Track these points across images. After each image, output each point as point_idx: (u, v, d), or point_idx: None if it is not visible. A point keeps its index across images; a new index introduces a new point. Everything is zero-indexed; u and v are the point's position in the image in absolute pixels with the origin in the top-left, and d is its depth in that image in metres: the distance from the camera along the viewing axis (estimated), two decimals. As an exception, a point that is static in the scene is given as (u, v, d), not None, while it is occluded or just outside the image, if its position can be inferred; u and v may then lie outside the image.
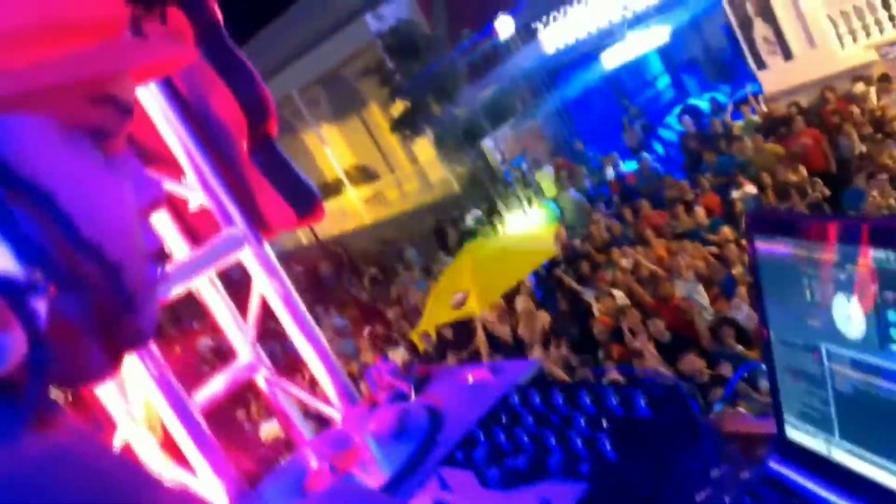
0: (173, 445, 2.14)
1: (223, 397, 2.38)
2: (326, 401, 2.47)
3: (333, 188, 22.91)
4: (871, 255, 0.92)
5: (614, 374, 5.92)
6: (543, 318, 9.03)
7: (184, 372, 2.33)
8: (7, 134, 0.50)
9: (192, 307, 2.69)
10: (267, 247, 2.40)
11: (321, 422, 2.89)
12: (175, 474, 2.17)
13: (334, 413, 2.43)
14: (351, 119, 22.41)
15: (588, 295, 8.96)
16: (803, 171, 9.10)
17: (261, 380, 2.49)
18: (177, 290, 2.23)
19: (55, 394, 0.59)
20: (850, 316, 0.97)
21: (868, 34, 11.91)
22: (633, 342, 7.11)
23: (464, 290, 9.34)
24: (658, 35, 15.82)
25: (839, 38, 12.29)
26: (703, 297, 7.86)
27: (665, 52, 17.83)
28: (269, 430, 9.07)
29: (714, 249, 8.60)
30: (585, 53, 16.83)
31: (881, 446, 0.98)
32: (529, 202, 14.92)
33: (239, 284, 2.68)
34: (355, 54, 19.14)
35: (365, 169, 23.04)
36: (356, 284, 16.87)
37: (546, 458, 1.45)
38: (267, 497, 2.04)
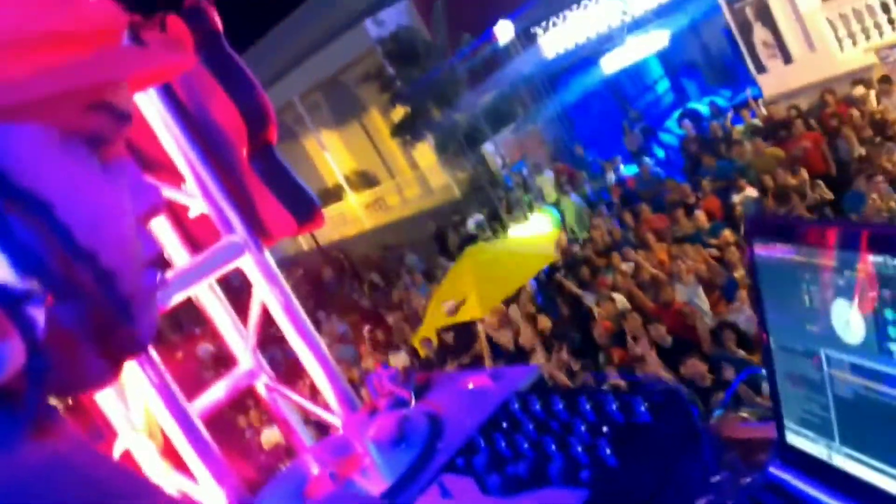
0: (174, 453, 2.14)
1: (224, 404, 2.38)
2: (327, 407, 2.46)
3: (334, 194, 22.94)
4: (870, 261, 0.92)
5: (615, 379, 5.92)
6: (544, 322, 9.04)
7: (184, 378, 2.32)
8: (3, 143, 0.50)
9: (192, 313, 2.70)
10: (267, 254, 2.40)
11: (321, 428, 2.89)
12: (176, 481, 2.17)
13: (335, 420, 2.43)
14: (351, 125, 22.44)
15: (589, 299, 8.96)
16: (804, 173, 9.10)
17: (261, 386, 2.49)
18: (177, 298, 2.23)
19: (55, 401, 0.59)
20: (849, 321, 0.97)
21: (867, 37, 11.93)
22: (634, 347, 7.10)
23: (464, 294, 9.33)
24: (657, 39, 15.86)
25: (838, 41, 12.30)
26: (703, 301, 7.86)
27: (665, 57, 17.86)
28: (269, 436, 9.06)
29: (715, 252, 8.60)
30: (585, 58, 16.87)
31: (881, 451, 0.98)
32: (530, 207, 14.92)
33: (239, 291, 2.68)
34: (355, 60, 19.19)
35: (365, 174, 23.07)
36: (357, 290, 16.88)
37: (546, 464, 1.44)
38: (267, 504, 2.04)
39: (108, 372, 0.59)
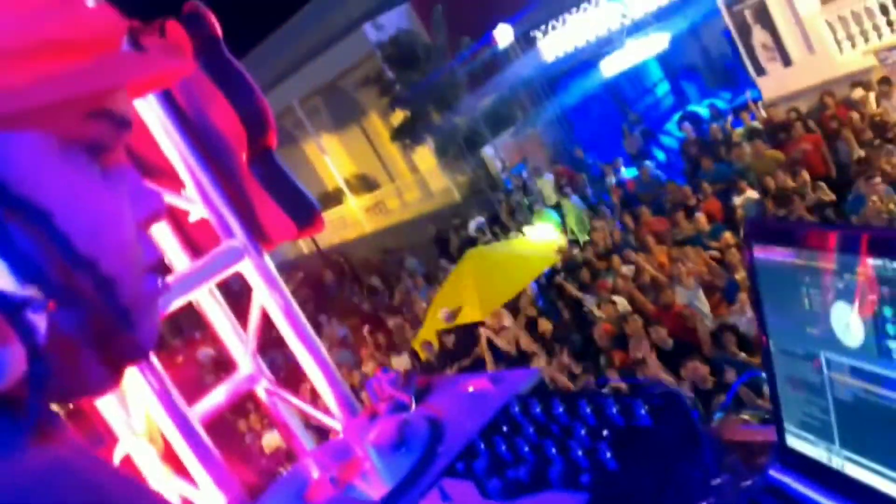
0: (174, 457, 2.14)
1: (224, 408, 2.38)
2: (327, 411, 2.46)
3: (334, 197, 22.95)
4: (870, 264, 0.92)
5: (617, 382, 5.91)
6: (545, 325, 9.03)
7: (185, 383, 2.32)
8: (2, 151, 0.50)
9: (192, 318, 2.70)
10: (267, 258, 2.40)
11: (322, 432, 2.88)
12: (176, 486, 2.17)
13: (335, 424, 2.43)
14: (351, 129, 22.46)
15: (589, 302, 8.96)
16: (805, 174, 9.10)
17: (261, 391, 2.49)
18: (177, 302, 2.23)
19: (56, 407, 0.59)
20: (849, 324, 0.97)
21: (866, 39, 11.94)
22: (636, 351, 7.10)
23: (464, 298, 9.33)
24: (657, 42, 15.87)
25: (838, 43, 12.31)
26: (703, 303, 7.86)
27: (664, 59, 17.87)
28: (270, 440, 9.06)
29: (716, 254, 8.60)
30: (585, 61, 16.88)
31: (882, 454, 0.98)
32: (530, 210, 14.92)
33: (239, 295, 2.68)
34: (355, 64, 19.21)
35: (365, 178, 23.08)
36: (357, 293, 16.88)
37: (547, 468, 1.44)
38: (268, 508, 2.04)
39: (110, 378, 0.59)
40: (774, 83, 13.26)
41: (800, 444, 1.11)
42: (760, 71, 13.53)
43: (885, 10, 11.52)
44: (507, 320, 9.07)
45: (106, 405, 2.14)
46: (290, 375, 6.80)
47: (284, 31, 20.65)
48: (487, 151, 17.73)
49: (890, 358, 0.92)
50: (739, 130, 12.28)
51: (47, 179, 0.53)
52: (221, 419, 2.38)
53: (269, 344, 4.36)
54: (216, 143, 2.24)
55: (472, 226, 15.88)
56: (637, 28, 15.83)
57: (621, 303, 8.26)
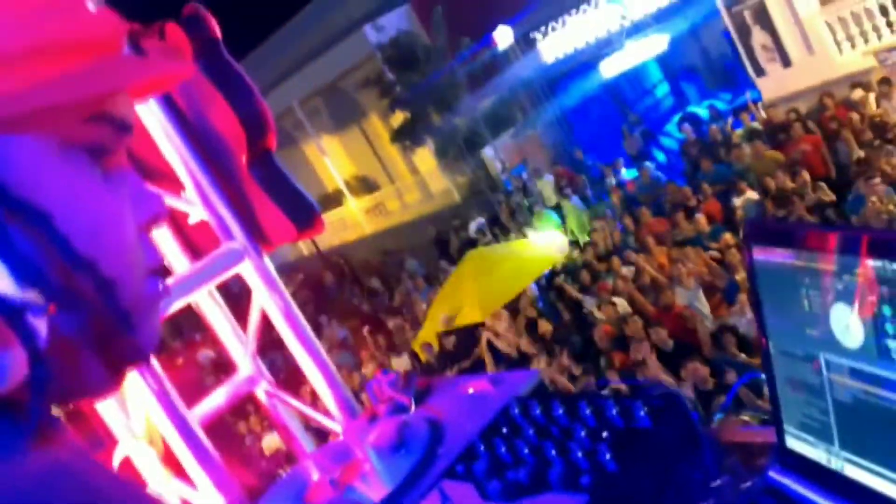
0: (174, 459, 2.14)
1: (224, 410, 2.38)
2: (327, 413, 2.46)
3: (334, 199, 22.96)
4: (869, 265, 0.92)
5: (617, 384, 5.91)
6: (545, 327, 9.03)
7: (185, 384, 2.33)
8: (3, 154, 0.51)
9: (192, 320, 2.70)
10: (267, 260, 2.40)
11: (322, 434, 2.88)
12: (176, 488, 2.17)
13: (335, 426, 2.43)
14: (351, 130, 22.47)
15: (589, 303, 8.96)
16: (805, 175, 9.10)
17: (261, 393, 2.49)
18: (177, 304, 2.23)
19: (55, 410, 0.59)
20: (848, 325, 0.97)
21: (866, 40, 11.95)
22: (636, 352, 7.10)
23: (464, 299, 9.33)
24: (656, 43, 15.87)
25: (837, 44, 12.32)
26: (704, 304, 7.86)
27: (664, 61, 17.88)
28: (270, 442, 9.05)
29: (716, 255, 8.60)
30: (584, 62, 16.89)
31: (881, 456, 0.98)
32: (530, 211, 14.93)
33: (239, 297, 2.68)
34: (355, 66, 19.22)
35: (365, 179, 23.09)
36: (357, 295, 16.87)
37: (547, 470, 1.44)
38: (268, 510, 2.04)
39: (111, 381, 0.59)
40: (774, 84, 13.27)
41: (799, 445, 1.11)
42: (760, 72, 13.53)
43: (884, 10, 11.53)
44: (507, 325, 9.08)
45: (106, 407, 2.14)
46: (289, 377, 6.79)
47: (284, 33, 20.66)
48: (487, 153, 17.73)
49: (889, 359, 0.92)
50: (739, 131, 12.28)
51: (48, 182, 0.53)
52: (221, 421, 2.38)
53: (269, 346, 4.36)
54: (216, 145, 2.24)
55: (473, 227, 15.88)
56: (637, 29, 15.83)
57: (621, 304, 8.26)
